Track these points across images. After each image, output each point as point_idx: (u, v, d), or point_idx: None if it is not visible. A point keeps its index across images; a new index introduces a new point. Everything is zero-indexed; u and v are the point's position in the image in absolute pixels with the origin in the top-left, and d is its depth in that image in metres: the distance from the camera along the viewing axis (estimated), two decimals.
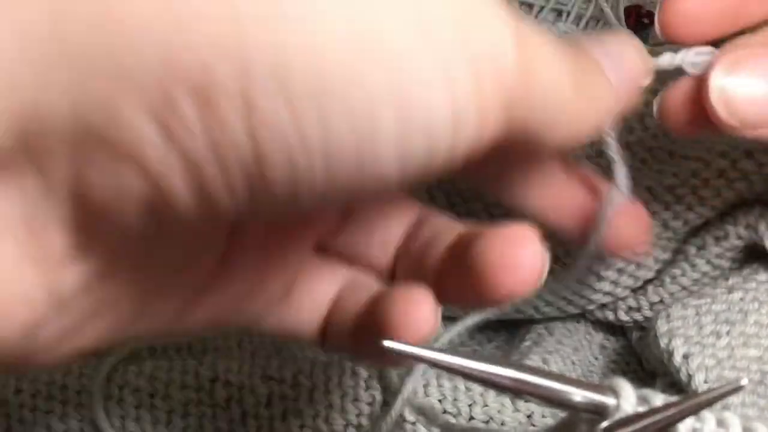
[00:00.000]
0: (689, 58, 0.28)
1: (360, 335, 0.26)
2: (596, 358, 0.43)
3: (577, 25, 0.53)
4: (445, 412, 0.35)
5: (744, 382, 0.23)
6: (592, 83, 0.24)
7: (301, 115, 0.17)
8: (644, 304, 0.41)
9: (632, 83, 0.26)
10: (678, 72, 0.29)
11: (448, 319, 0.44)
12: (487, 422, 0.35)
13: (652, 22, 0.64)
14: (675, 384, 0.33)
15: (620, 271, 0.39)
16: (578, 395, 0.23)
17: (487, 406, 0.35)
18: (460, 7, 0.18)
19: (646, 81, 0.26)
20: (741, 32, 0.29)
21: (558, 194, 0.30)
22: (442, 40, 0.18)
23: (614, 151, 0.29)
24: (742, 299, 0.35)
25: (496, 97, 0.19)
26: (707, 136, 0.30)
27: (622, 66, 0.25)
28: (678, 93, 0.28)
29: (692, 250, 0.39)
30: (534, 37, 0.21)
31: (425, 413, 0.33)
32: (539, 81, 0.21)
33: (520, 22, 0.20)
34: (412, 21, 0.18)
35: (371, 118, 0.17)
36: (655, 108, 0.29)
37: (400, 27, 0.17)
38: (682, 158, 0.37)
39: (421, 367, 0.35)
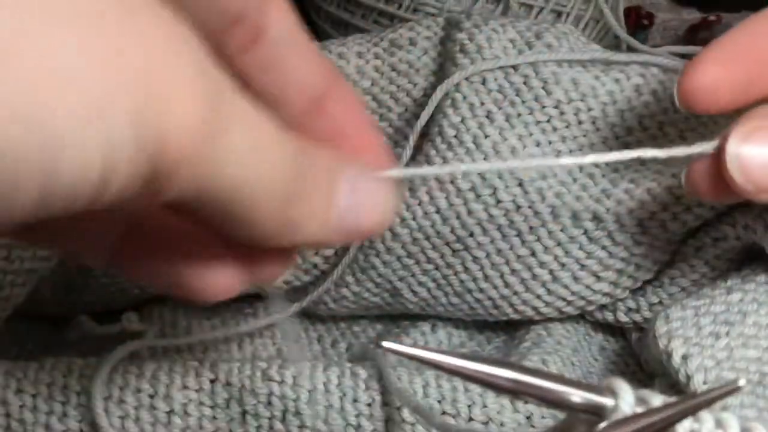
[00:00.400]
0: (704, 146, 0.30)
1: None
2: (596, 359, 0.43)
3: (577, 26, 0.53)
4: (444, 413, 0.35)
5: (742, 382, 0.23)
6: (312, 195, 0.22)
7: None
8: (643, 305, 0.41)
9: (364, 223, 0.24)
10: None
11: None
12: (486, 423, 0.35)
13: (651, 24, 0.64)
14: (674, 385, 0.33)
15: (619, 272, 0.40)
16: (576, 396, 0.23)
17: (486, 407, 0.35)
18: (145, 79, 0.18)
19: (376, 227, 0.24)
20: (755, 103, 0.31)
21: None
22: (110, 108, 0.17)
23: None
24: (741, 300, 0.35)
25: (155, 157, 0.18)
26: (731, 202, 0.33)
27: (362, 202, 0.24)
28: (700, 166, 0.31)
29: (690, 251, 0.39)
30: (244, 112, 0.20)
31: (424, 414, 0.33)
32: (228, 158, 0.19)
33: (228, 93, 0.19)
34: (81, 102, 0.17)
35: (16, 179, 0.17)
36: (682, 180, 0.32)
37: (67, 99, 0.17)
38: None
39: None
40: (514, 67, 0.40)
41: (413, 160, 0.41)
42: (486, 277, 0.41)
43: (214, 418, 0.35)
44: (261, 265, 0.25)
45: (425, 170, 0.30)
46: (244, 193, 0.20)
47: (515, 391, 0.24)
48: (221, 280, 0.25)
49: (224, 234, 0.22)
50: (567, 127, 0.39)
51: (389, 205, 0.25)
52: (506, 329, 0.45)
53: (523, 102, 0.39)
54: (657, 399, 0.24)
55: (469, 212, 0.39)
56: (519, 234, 0.39)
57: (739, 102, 0.30)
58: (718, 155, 0.30)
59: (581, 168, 0.39)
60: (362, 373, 0.36)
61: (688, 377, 0.32)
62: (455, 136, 0.39)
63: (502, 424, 0.35)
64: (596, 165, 0.39)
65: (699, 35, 0.61)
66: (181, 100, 0.18)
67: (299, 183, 0.22)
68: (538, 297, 0.41)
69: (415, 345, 0.24)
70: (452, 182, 0.39)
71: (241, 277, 0.25)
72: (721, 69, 0.30)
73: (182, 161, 0.19)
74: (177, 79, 0.18)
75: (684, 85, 0.31)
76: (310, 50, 0.26)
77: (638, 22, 0.64)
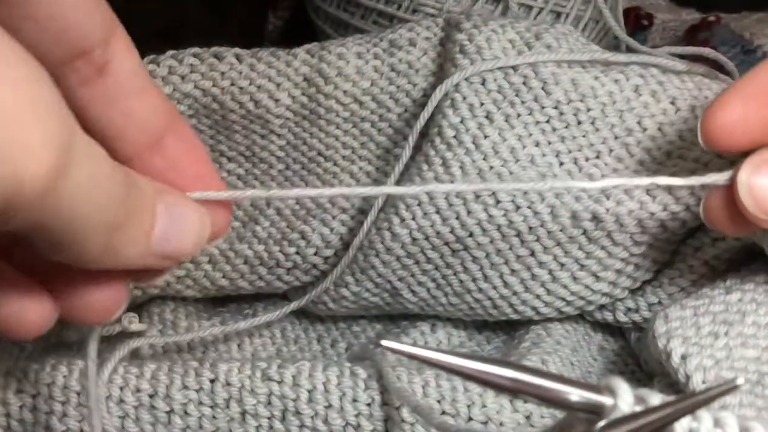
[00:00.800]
0: (719, 177, 0.31)
1: None
2: (595, 359, 0.43)
3: (576, 26, 0.53)
4: (443, 412, 0.35)
5: (740, 381, 0.23)
6: (133, 222, 0.24)
7: None
8: (642, 305, 0.41)
9: (178, 247, 0.26)
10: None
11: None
12: (485, 423, 0.35)
13: (650, 24, 0.64)
14: (673, 384, 0.33)
15: (618, 272, 0.40)
16: (575, 395, 0.23)
17: (485, 406, 0.35)
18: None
19: (190, 252, 0.27)
20: None
21: None
22: None
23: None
24: (740, 300, 0.35)
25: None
26: (750, 231, 0.33)
27: (176, 228, 0.26)
28: (716, 197, 0.32)
29: (689, 251, 0.39)
30: (87, 147, 0.21)
31: (423, 414, 0.33)
32: (72, 192, 0.21)
33: (75, 130, 0.21)
34: None
35: None
36: (701, 213, 0.33)
37: None
38: (679, 159, 0.38)
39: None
40: (514, 68, 0.40)
41: (413, 160, 0.41)
42: (485, 277, 0.41)
43: (214, 417, 0.35)
44: (79, 305, 0.27)
45: (244, 193, 0.32)
46: (78, 221, 0.22)
47: (515, 390, 0.24)
48: (31, 315, 0.26)
49: (45, 257, 0.23)
50: (566, 127, 0.39)
51: (204, 232, 0.27)
52: (506, 329, 0.45)
53: (523, 102, 0.39)
54: (656, 398, 0.24)
55: (469, 212, 0.39)
56: (518, 234, 0.39)
57: (760, 141, 0.31)
58: (732, 186, 0.30)
59: (580, 168, 0.39)
60: (362, 372, 0.36)
61: (687, 377, 0.32)
62: (454, 137, 0.39)
63: (501, 424, 0.35)
64: (595, 165, 0.39)
65: (698, 36, 0.61)
66: (39, 144, 0.19)
67: (123, 211, 0.23)
68: (538, 297, 0.41)
69: (414, 344, 0.24)
70: (452, 183, 0.39)
71: (53, 314, 0.26)
72: (743, 109, 0.31)
73: (33, 200, 0.20)
74: (34, 124, 0.19)
75: (706, 125, 0.31)
76: (151, 88, 0.28)
77: (637, 23, 0.64)
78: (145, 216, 0.25)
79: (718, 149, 0.32)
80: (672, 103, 0.38)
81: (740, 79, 0.32)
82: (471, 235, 0.39)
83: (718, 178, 0.31)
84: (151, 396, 0.36)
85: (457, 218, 0.39)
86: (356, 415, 0.35)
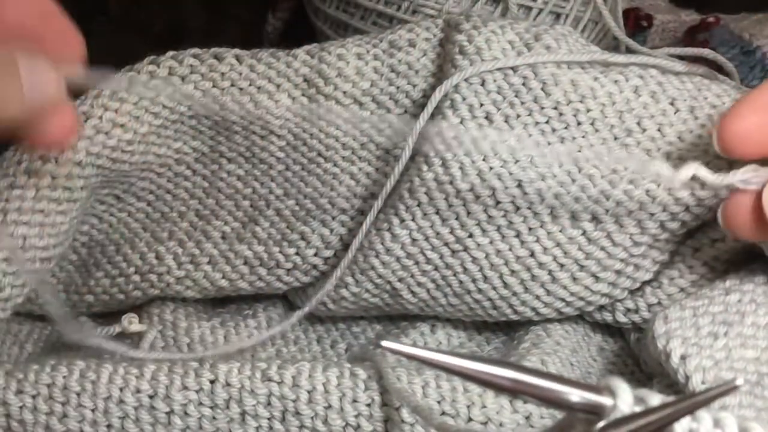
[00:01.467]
0: (738, 177, 0.32)
1: None
2: (595, 360, 0.43)
3: (576, 27, 0.53)
4: (443, 413, 0.35)
5: (739, 382, 0.23)
6: (8, 86, 0.28)
7: None
8: (642, 305, 0.41)
9: (43, 96, 0.30)
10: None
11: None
12: (485, 423, 0.35)
13: (650, 25, 0.64)
14: (672, 385, 0.33)
15: (618, 273, 0.40)
16: (575, 395, 0.24)
17: (485, 407, 0.35)
18: None
19: (57, 94, 0.31)
20: None
21: None
22: None
23: None
24: (739, 301, 0.35)
25: None
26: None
27: (38, 77, 0.29)
28: (735, 205, 0.33)
29: (689, 252, 0.39)
30: None
31: (423, 414, 0.33)
32: None
33: None
34: None
35: None
36: (719, 218, 0.34)
37: None
38: (678, 160, 0.38)
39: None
40: (513, 69, 0.40)
41: (412, 161, 0.41)
42: (485, 278, 0.41)
43: (214, 418, 0.35)
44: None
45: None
46: None
47: (514, 391, 0.24)
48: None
49: None
50: (566, 128, 0.39)
51: (59, 78, 0.31)
52: (505, 330, 0.45)
53: (522, 103, 0.39)
54: (655, 398, 0.24)
55: (468, 213, 0.39)
56: (518, 235, 0.39)
57: None
58: (756, 197, 0.32)
59: (580, 169, 0.39)
60: (362, 373, 0.36)
61: (687, 377, 0.32)
62: (454, 138, 0.39)
63: (501, 425, 0.35)
64: (595, 167, 0.39)
65: (698, 37, 0.61)
66: None
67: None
68: (537, 298, 0.41)
69: (414, 345, 0.24)
70: (451, 183, 0.39)
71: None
72: (756, 118, 0.32)
73: None
74: None
75: (721, 134, 0.32)
76: None
77: (637, 24, 0.64)
78: (15, 73, 0.28)
79: (733, 157, 0.33)
80: (671, 103, 0.39)
81: (753, 90, 0.33)
82: (471, 236, 0.39)
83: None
84: (151, 397, 0.36)
85: (456, 219, 0.39)
86: (356, 416, 0.35)
